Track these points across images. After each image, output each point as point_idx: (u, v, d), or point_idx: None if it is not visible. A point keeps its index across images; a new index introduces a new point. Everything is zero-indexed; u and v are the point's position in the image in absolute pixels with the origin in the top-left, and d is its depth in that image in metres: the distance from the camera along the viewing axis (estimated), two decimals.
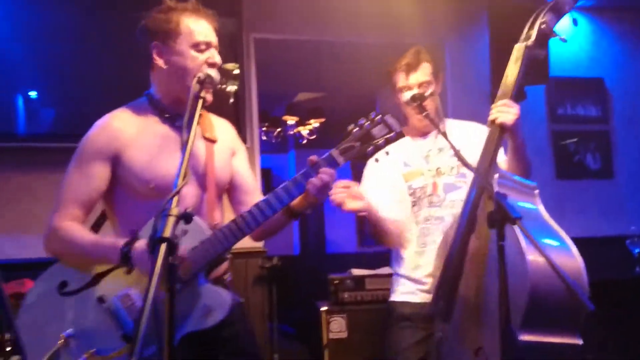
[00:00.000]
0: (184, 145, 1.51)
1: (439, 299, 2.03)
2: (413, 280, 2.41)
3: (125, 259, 1.71)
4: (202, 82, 1.73)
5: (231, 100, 3.53)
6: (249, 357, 1.98)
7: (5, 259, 3.18)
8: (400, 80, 2.38)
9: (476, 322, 1.91)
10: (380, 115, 1.83)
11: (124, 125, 1.86)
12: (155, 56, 1.86)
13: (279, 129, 6.90)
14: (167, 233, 1.32)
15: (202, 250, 1.76)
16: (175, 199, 1.39)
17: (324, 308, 3.26)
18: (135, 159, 1.83)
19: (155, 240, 1.31)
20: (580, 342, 1.73)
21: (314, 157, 1.82)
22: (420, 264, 2.39)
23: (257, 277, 3.56)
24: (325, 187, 1.79)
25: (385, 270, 3.18)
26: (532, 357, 1.70)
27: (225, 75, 3.59)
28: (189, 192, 1.86)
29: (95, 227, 2.03)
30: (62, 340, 1.77)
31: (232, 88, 3.52)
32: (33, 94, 3.41)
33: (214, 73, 1.78)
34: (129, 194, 1.85)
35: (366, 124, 1.82)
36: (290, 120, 6.84)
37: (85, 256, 1.80)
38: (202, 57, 1.83)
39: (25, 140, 3.32)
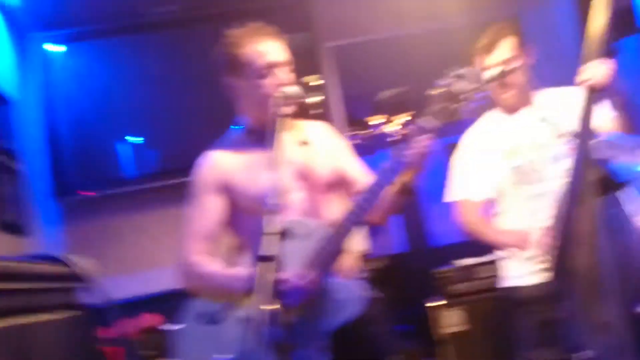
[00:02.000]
0: (272, 164, 1.57)
1: (555, 278, 1.97)
2: (525, 263, 2.34)
3: (251, 289, 1.75)
4: (280, 102, 1.80)
5: (318, 110, 3.60)
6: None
7: (129, 296, 3.37)
8: (479, 64, 2.34)
9: (597, 297, 1.83)
10: (458, 72, 1.83)
11: (226, 156, 1.98)
12: (229, 90, 1.97)
13: (366, 131, 6.90)
14: (268, 251, 1.37)
15: (326, 247, 1.80)
16: (274, 215, 1.45)
17: (438, 303, 3.22)
18: (241, 183, 1.94)
19: (259, 259, 1.37)
20: None
21: (405, 129, 1.84)
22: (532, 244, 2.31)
23: (366, 277, 3.56)
24: (421, 156, 1.80)
25: (494, 255, 3.09)
26: None
27: (306, 88, 3.66)
28: (297, 198, 1.93)
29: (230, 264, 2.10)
30: None
31: (314, 99, 3.59)
32: (139, 139, 3.67)
33: (290, 90, 1.84)
34: (250, 217, 1.93)
35: (445, 83, 1.83)
36: (377, 120, 6.82)
37: (217, 288, 1.90)
38: (270, 81, 1.89)
39: (135, 183, 3.58)
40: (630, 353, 1.66)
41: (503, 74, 2.16)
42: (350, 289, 1.83)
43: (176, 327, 1.98)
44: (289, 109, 1.83)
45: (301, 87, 1.89)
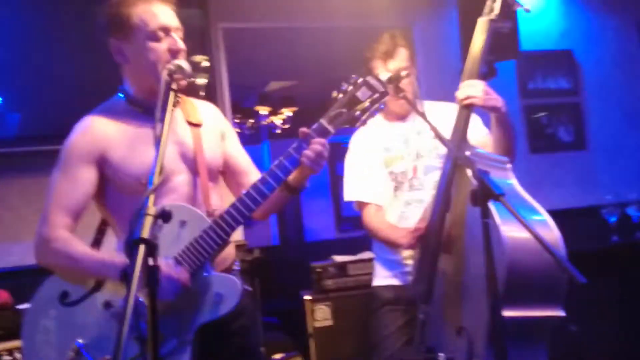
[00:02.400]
0: (157, 140, 1.47)
1: (419, 280, 2.04)
2: (394, 264, 2.42)
3: (127, 278, 1.67)
4: (172, 74, 1.68)
5: (202, 93, 3.47)
6: (253, 355, 1.97)
7: None
8: (379, 68, 2.37)
9: (457, 302, 1.92)
10: (362, 78, 1.80)
11: (104, 125, 1.81)
12: (115, 53, 1.81)
13: (251, 120, 6.85)
14: (145, 234, 1.27)
15: (205, 240, 1.72)
16: (151, 197, 1.35)
17: (307, 297, 3.24)
18: (119, 156, 1.79)
19: (132, 242, 1.27)
20: (562, 314, 1.75)
21: (304, 129, 1.78)
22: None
23: (239, 270, 3.52)
24: (320, 157, 1.75)
25: (367, 254, 3.17)
26: (517, 333, 1.70)
27: (195, 67, 3.51)
28: (182, 181, 1.83)
29: (97, 241, 1.98)
30: (73, 352, 1.73)
31: (202, 81, 3.46)
32: None
33: (184, 64, 1.71)
34: (123, 193, 1.81)
35: (349, 88, 1.80)
36: (263, 110, 6.79)
37: (82, 271, 1.76)
38: (162, 45, 1.76)
39: None
40: (483, 358, 1.75)
41: (398, 78, 2.20)
42: (227, 283, 1.76)
43: (29, 305, 1.83)
44: (180, 83, 1.71)
45: (190, 64, 1.79)
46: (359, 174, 2.50)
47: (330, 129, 1.76)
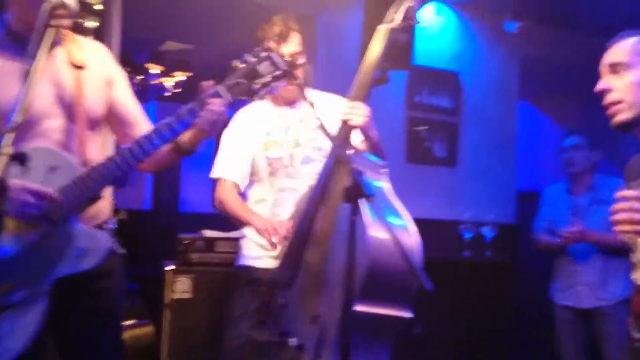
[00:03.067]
0: (25, 77, 1.38)
1: (285, 266, 2.08)
2: (262, 246, 2.44)
3: None
4: (53, 9, 1.59)
5: (90, 37, 3.28)
6: (111, 318, 1.90)
7: None
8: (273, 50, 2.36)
9: (316, 291, 1.98)
10: (267, 53, 1.79)
11: None
12: None
13: (140, 77, 6.56)
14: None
15: (74, 189, 1.64)
16: (10, 135, 1.27)
17: (169, 267, 3.19)
18: None
19: None
20: (410, 315, 1.84)
21: (206, 84, 1.74)
22: None
23: (114, 230, 3.38)
24: (218, 119, 1.72)
25: (236, 233, 3.17)
26: (366, 327, 1.79)
27: (86, 9, 3.32)
28: (55, 126, 1.72)
29: None
30: None
31: (92, 24, 3.27)
32: None
33: (69, 0, 1.62)
34: None
35: (252, 60, 1.77)
36: (154, 69, 6.53)
37: None
38: None
39: None
40: (331, 347, 1.83)
41: (294, 65, 2.22)
42: (94, 238, 1.70)
43: None
44: (62, 21, 1.62)
45: (80, 5, 1.69)
46: (229, 151, 2.50)
47: (227, 96, 1.74)
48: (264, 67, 1.78)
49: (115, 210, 3.37)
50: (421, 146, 4.59)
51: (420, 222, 1.93)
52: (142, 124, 1.94)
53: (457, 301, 3.83)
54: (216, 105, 1.72)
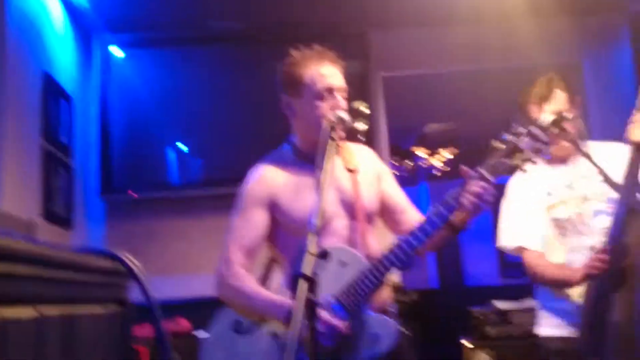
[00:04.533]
0: (318, 186, 1.60)
1: (588, 332, 1.92)
2: (561, 313, 2.29)
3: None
4: (333, 125, 1.83)
5: (362, 138, 3.62)
6: None
7: (164, 298, 3.46)
8: (534, 113, 2.31)
9: (631, 355, 1.78)
10: (525, 128, 1.79)
11: (274, 173, 2.01)
12: (285, 108, 2.02)
13: (409, 162, 6.90)
14: (307, 271, 1.38)
15: (364, 280, 1.82)
16: (313, 237, 1.46)
17: (467, 343, 3.16)
18: (286, 201, 1.96)
19: (295, 277, 1.38)
20: None
21: (465, 168, 1.80)
22: (569, 295, 2.27)
23: (396, 313, 3.54)
24: (480, 199, 1.76)
25: (529, 302, 3.03)
26: None
27: (355, 114, 3.68)
28: (341, 225, 1.95)
29: (266, 273, 2.14)
30: None
31: (362, 127, 3.61)
32: (184, 147, 3.77)
33: (344, 115, 1.87)
34: (289, 234, 1.98)
35: (511, 137, 1.79)
36: (420, 151, 6.82)
37: (253, 308, 1.91)
38: (326, 104, 1.92)
39: (179, 189, 3.66)
40: None
41: (563, 119, 2.14)
42: (384, 324, 1.83)
43: (208, 334, 2.00)
44: (339, 134, 1.86)
45: (350, 112, 1.92)
46: (518, 218, 2.42)
47: (490, 178, 1.77)
48: (524, 143, 1.77)
49: (405, 292, 3.54)
50: None
51: None
52: (410, 211, 2.09)
53: None
54: (478, 187, 1.75)
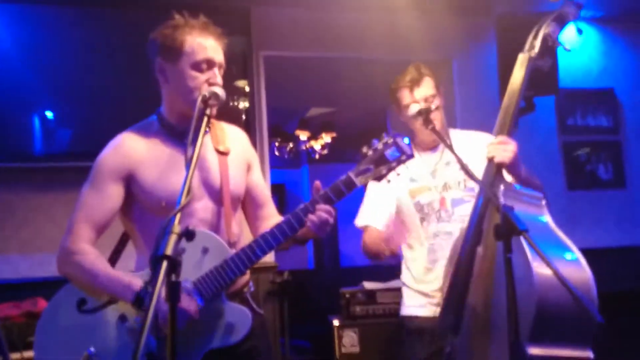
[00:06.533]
0: (187, 163, 1.54)
1: (448, 312, 2.04)
2: (422, 294, 2.42)
3: (139, 302, 1.71)
4: (206, 100, 1.76)
5: (243, 117, 3.58)
6: None
7: (20, 278, 3.23)
8: (405, 97, 2.41)
9: (485, 337, 1.91)
10: (392, 138, 1.85)
11: (135, 144, 1.88)
12: (157, 73, 1.90)
13: (291, 144, 6.94)
14: (169, 251, 1.32)
15: (222, 270, 1.78)
16: (177, 216, 1.40)
17: (336, 322, 3.25)
18: (147, 177, 1.85)
19: (156, 258, 1.32)
20: (591, 355, 1.71)
21: (318, 185, 1.83)
22: (430, 279, 2.40)
23: (269, 292, 3.58)
24: (324, 224, 1.79)
25: (397, 283, 3.17)
26: None
27: (237, 92, 3.64)
28: (205, 207, 1.88)
29: (117, 251, 2.05)
30: (84, 359, 1.77)
31: (243, 105, 3.56)
32: (49, 114, 3.49)
33: (219, 91, 1.79)
34: (146, 211, 1.88)
35: (379, 146, 1.85)
36: (302, 135, 6.89)
37: (98, 288, 1.81)
38: (202, 77, 1.84)
39: (42, 160, 3.39)
40: None
41: (428, 110, 2.24)
42: (239, 314, 1.82)
43: (47, 305, 1.88)
44: (212, 110, 1.78)
45: (230, 91, 1.86)
46: (368, 200, 2.53)
47: (357, 182, 1.82)
48: (390, 153, 1.84)
49: (278, 272, 3.57)
50: (582, 171, 4.31)
51: (595, 252, 1.81)
52: (269, 206, 2.08)
53: None
54: (324, 209, 1.79)
